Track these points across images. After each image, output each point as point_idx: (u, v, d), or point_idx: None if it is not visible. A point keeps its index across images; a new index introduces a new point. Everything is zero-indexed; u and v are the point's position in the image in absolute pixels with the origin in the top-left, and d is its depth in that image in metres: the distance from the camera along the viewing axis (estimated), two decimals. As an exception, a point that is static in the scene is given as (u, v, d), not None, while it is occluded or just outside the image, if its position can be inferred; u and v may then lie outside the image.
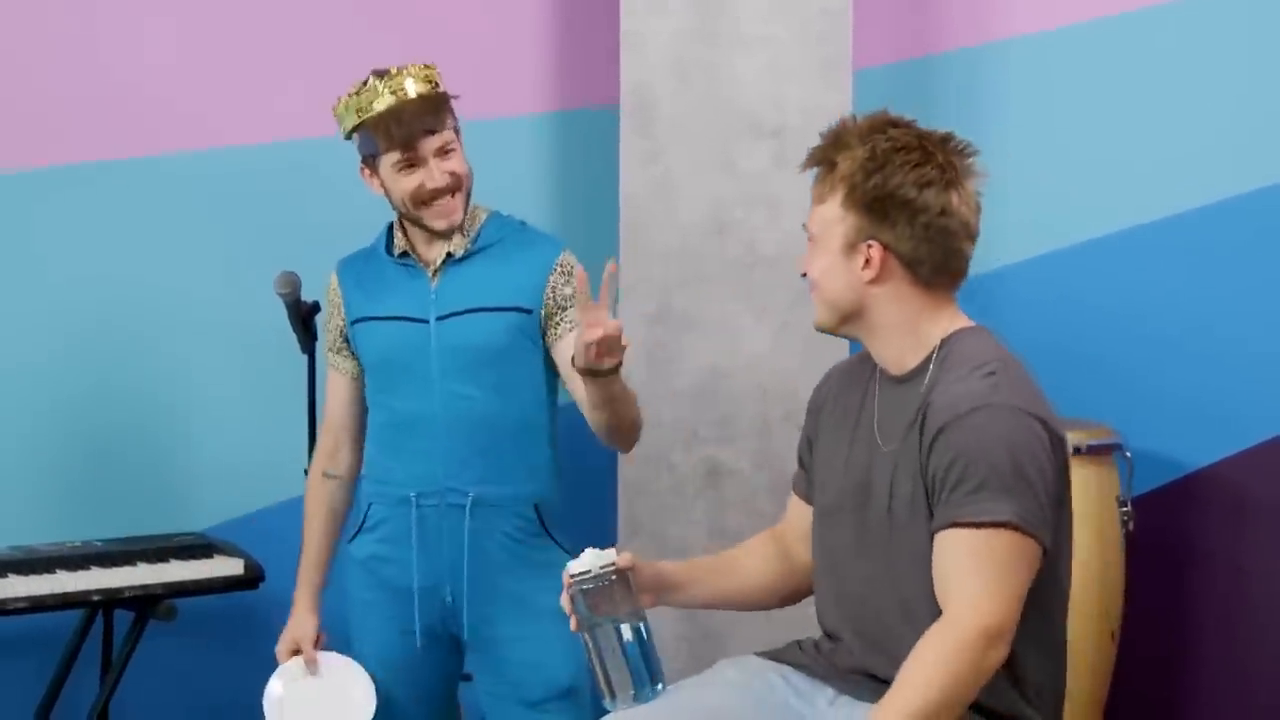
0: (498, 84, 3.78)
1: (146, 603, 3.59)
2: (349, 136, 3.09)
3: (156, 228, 3.97)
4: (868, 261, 2.37)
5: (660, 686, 2.49)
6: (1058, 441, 2.35)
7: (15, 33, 3.84)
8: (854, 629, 2.51)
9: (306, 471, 3.31)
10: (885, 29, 4.29)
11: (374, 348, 3.14)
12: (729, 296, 3.97)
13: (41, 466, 3.87)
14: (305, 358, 3.41)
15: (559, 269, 3.09)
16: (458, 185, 3.06)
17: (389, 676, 3.19)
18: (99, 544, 3.73)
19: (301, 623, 3.24)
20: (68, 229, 3.90)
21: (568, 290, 3.06)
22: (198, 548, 3.74)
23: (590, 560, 2.49)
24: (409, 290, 3.10)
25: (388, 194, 3.08)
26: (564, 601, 2.49)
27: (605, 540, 3.00)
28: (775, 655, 2.63)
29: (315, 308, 3.35)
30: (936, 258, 2.37)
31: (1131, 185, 4.30)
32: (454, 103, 3.10)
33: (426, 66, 3.08)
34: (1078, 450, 3.87)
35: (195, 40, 3.97)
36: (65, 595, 3.52)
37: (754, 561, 2.72)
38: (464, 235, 3.10)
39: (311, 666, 3.20)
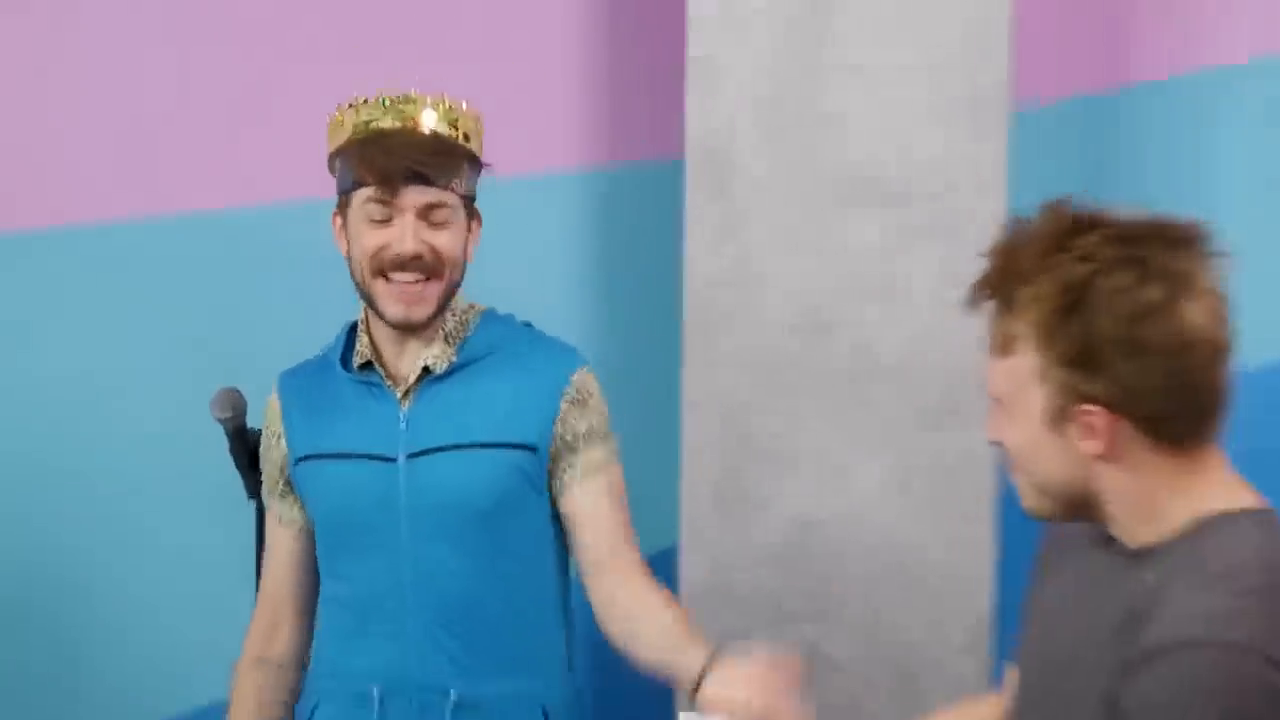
0: (526, 130, 3.57)
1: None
2: (331, 164, 2.89)
3: (50, 327, 3.72)
4: (1089, 431, 2.10)
5: None
6: None
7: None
8: None
9: None
10: (1054, 51, 3.92)
11: (323, 496, 2.89)
12: (831, 421, 3.66)
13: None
14: (254, 504, 3.13)
15: (572, 393, 2.88)
16: (435, 268, 2.79)
17: None
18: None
19: None
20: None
21: (582, 426, 2.86)
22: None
23: None
24: (371, 417, 2.87)
25: (348, 256, 2.86)
26: None
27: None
28: None
29: None
30: (1184, 404, 2.11)
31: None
32: (481, 173, 2.91)
33: (458, 107, 2.87)
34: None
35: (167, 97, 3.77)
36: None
37: None
38: (448, 344, 2.87)
39: None
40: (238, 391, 3.04)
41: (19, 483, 3.70)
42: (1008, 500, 3.37)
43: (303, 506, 2.95)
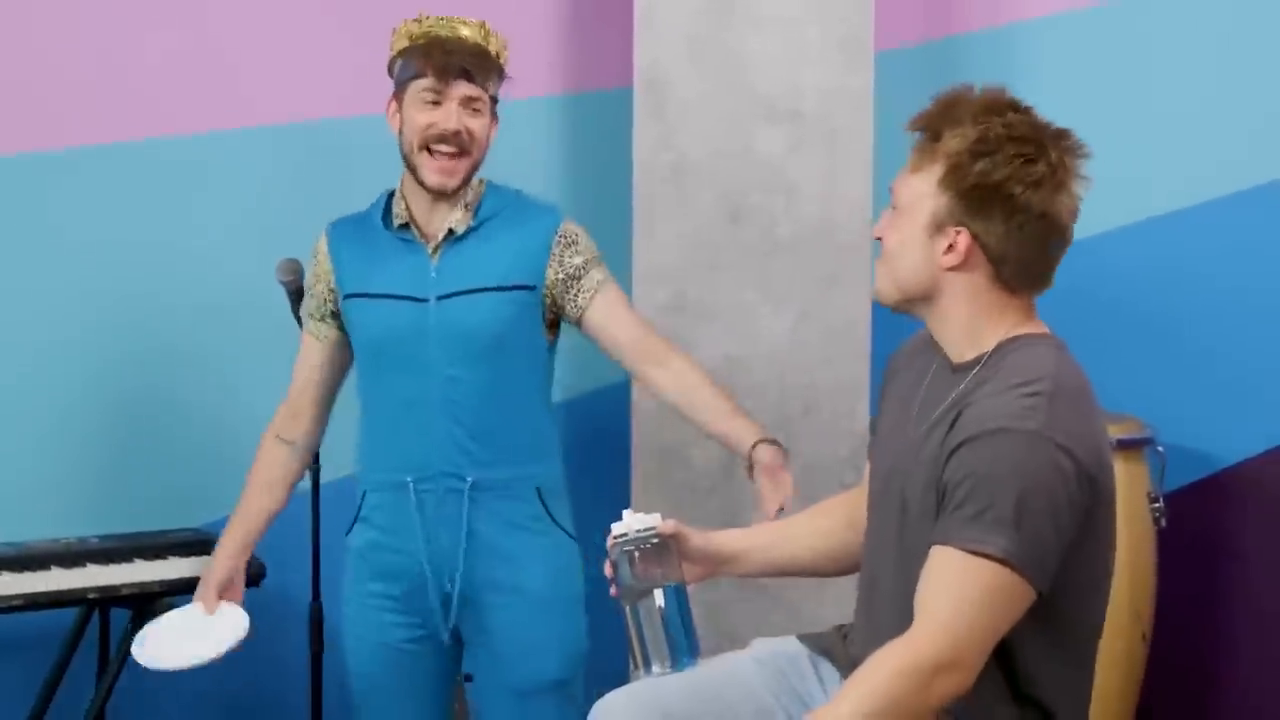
0: (513, 68, 3.60)
1: (144, 601, 3.55)
2: (391, 65, 3.11)
3: (158, 214, 3.96)
4: (951, 247, 2.30)
5: (697, 659, 2.45)
6: (1087, 479, 2.25)
7: (33, 18, 3.84)
8: (864, 618, 2.51)
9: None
10: (908, 8, 4.30)
11: (369, 327, 3.13)
12: (745, 285, 3.98)
13: (37, 460, 3.84)
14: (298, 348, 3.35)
15: (561, 239, 3.11)
16: (467, 145, 3.05)
17: (384, 669, 3.19)
18: (95, 540, 3.70)
19: (216, 565, 3.24)
20: (73, 215, 3.89)
21: (577, 260, 3.08)
22: (197, 544, 3.69)
23: (631, 522, 2.47)
24: (407, 267, 3.09)
25: (401, 131, 3.07)
26: (606, 566, 2.48)
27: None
28: (814, 641, 2.61)
29: None
30: (1025, 259, 2.30)
31: (1166, 171, 4.30)
32: (503, 85, 3.14)
33: (491, 29, 3.12)
34: (1107, 445, 3.81)
35: (206, 24, 3.99)
36: (61, 593, 3.48)
37: (821, 526, 2.69)
38: (466, 210, 3.09)
39: (209, 608, 3.21)
40: (296, 260, 3.32)
41: (140, 318, 3.89)
42: (878, 346, 3.74)
43: (338, 327, 3.16)
